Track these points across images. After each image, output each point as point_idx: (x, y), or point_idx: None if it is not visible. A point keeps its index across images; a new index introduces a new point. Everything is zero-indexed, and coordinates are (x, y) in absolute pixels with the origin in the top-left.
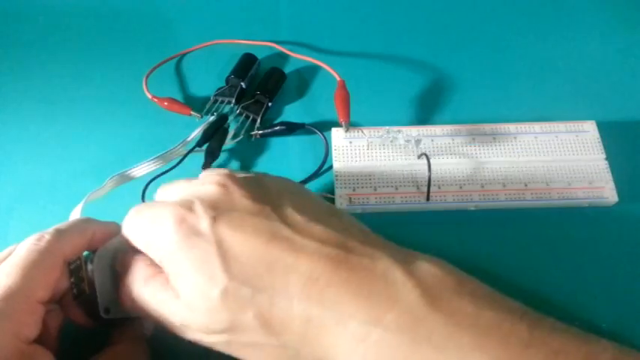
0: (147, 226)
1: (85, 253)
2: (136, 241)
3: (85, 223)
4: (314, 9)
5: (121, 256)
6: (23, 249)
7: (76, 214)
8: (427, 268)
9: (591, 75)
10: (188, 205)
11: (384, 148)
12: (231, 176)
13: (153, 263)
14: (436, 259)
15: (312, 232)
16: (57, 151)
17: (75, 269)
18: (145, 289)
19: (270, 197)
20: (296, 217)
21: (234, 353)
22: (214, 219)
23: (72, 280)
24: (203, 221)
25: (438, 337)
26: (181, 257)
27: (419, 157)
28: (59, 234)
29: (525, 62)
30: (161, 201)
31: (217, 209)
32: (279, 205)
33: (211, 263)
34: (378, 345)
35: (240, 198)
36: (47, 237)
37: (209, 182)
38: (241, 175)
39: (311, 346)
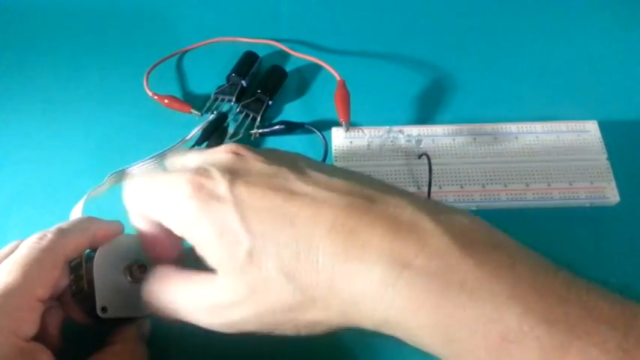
0: (162, 194)
1: (86, 251)
2: (150, 210)
3: (87, 222)
4: (315, 8)
5: (117, 241)
6: (25, 247)
7: (76, 212)
8: (457, 218)
9: (593, 75)
10: (204, 172)
11: (384, 148)
12: (243, 145)
13: (172, 235)
14: (468, 214)
15: (332, 184)
16: (57, 149)
17: (75, 267)
18: (182, 293)
19: (285, 160)
20: (314, 174)
21: (266, 324)
22: (232, 182)
23: (71, 277)
24: (221, 185)
25: (471, 283)
26: (203, 224)
27: (420, 156)
28: (61, 233)
29: (527, 62)
30: (174, 170)
31: (234, 173)
32: (295, 165)
33: (233, 225)
34: (407, 290)
35: (255, 162)
36: (49, 236)
37: (222, 151)
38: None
39: (339, 297)
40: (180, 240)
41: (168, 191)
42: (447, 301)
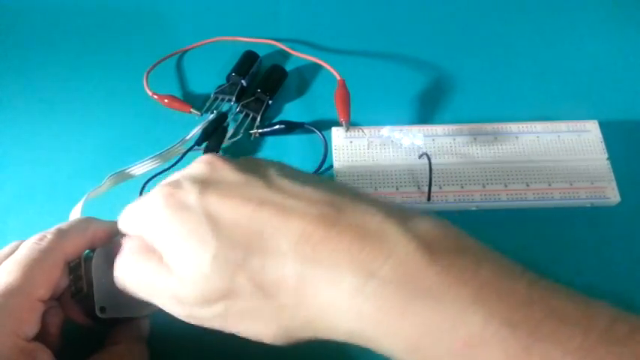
0: (138, 212)
1: (86, 252)
2: (131, 230)
3: (86, 222)
4: (315, 7)
5: (115, 241)
6: (25, 248)
7: (76, 213)
8: (424, 224)
9: (593, 74)
10: (175, 183)
11: (384, 148)
12: (217, 155)
13: (147, 244)
14: (436, 218)
15: (301, 193)
16: (56, 149)
17: (74, 267)
18: (139, 265)
19: (257, 169)
20: (285, 183)
21: (231, 327)
22: (202, 191)
23: (70, 277)
24: (190, 195)
25: (435, 290)
26: (171, 231)
27: (420, 156)
28: (61, 233)
29: (527, 62)
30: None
31: (204, 183)
32: (266, 174)
33: (201, 232)
34: (374, 298)
35: (227, 171)
36: (49, 236)
37: (196, 162)
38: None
39: (307, 307)
40: None
41: (145, 205)
42: (412, 310)
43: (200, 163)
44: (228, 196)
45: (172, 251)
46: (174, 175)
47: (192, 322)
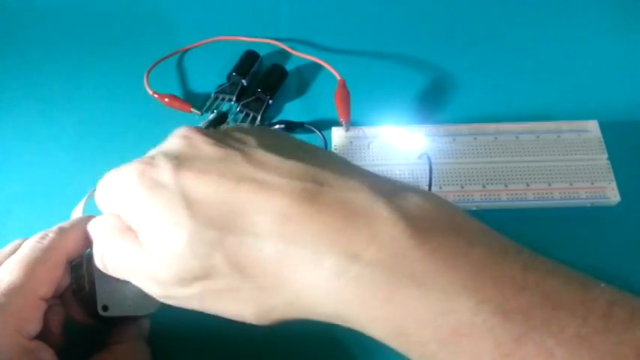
0: (112, 189)
1: (87, 250)
2: (105, 207)
3: (87, 221)
4: (316, 7)
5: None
6: (27, 247)
7: (77, 213)
8: (415, 200)
9: (594, 74)
10: (149, 160)
11: (384, 148)
12: (195, 128)
13: (124, 224)
14: (429, 193)
15: (284, 168)
16: (57, 149)
17: (76, 266)
18: (117, 244)
19: (237, 142)
20: (267, 157)
21: (209, 308)
22: (177, 168)
23: (72, 276)
24: (165, 172)
25: (422, 275)
26: (146, 209)
27: (420, 156)
28: (62, 232)
29: (527, 61)
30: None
31: (179, 158)
32: (246, 148)
33: (175, 210)
34: (357, 282)
35: (203, 145)
36: (51, 235)
37: (172, 136)
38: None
39: (287, 288)
40: None
41: (119, 182)
42: (397, 294)
43: (176, 138)
44: (205, 173)
45: (147, 230)
46: (151, 151)
47: (171, 302)
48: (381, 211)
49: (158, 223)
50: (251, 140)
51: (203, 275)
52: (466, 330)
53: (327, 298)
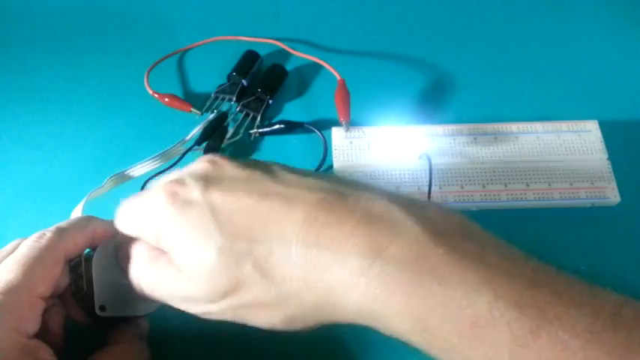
0: (138, 211)
1: (86, 250)
2: (130, 230)
3: (86, 220)
4: (316, 7)
5: (123, 247)
6: (25, 246)
7: (76, 214)
8: (430, 210)
9: (594, 74)
10: (178, 181)
11: (384, 148)
12: (219, 154)
13: (153, 247)
14: (440, 205)
15: (304, 183)
16: (57, 149)
17: (74, 266)
18: (150, 271)
19: (258, 166)
20: (288, 176)
21: (243, 318)
22: (205, 187)
23: (71, 276)
24: (194, 191)
25: (442, 270)
26: (176, 228)
27: (420, 156)
28: (60, 231)
29: (527, 62)
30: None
31: (207, 179)
32: (268, 169)
33: (205, 227)
34: (380, 278)
35: (229, 168)
36: (49, 234)
37: (198, 162)
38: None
39: (314, 291)
40: None
41: (146, 203)
42: (419, 289)
43: (202, 162)
44: (232, 190)
45: (179, 248)
46: (175, 174)
47: (209, 318)
48: (399, 215)
49: (189, 239)
50: (272, 165)
51: (235, 287)
52: (484, 322)
53: (353, 297)
